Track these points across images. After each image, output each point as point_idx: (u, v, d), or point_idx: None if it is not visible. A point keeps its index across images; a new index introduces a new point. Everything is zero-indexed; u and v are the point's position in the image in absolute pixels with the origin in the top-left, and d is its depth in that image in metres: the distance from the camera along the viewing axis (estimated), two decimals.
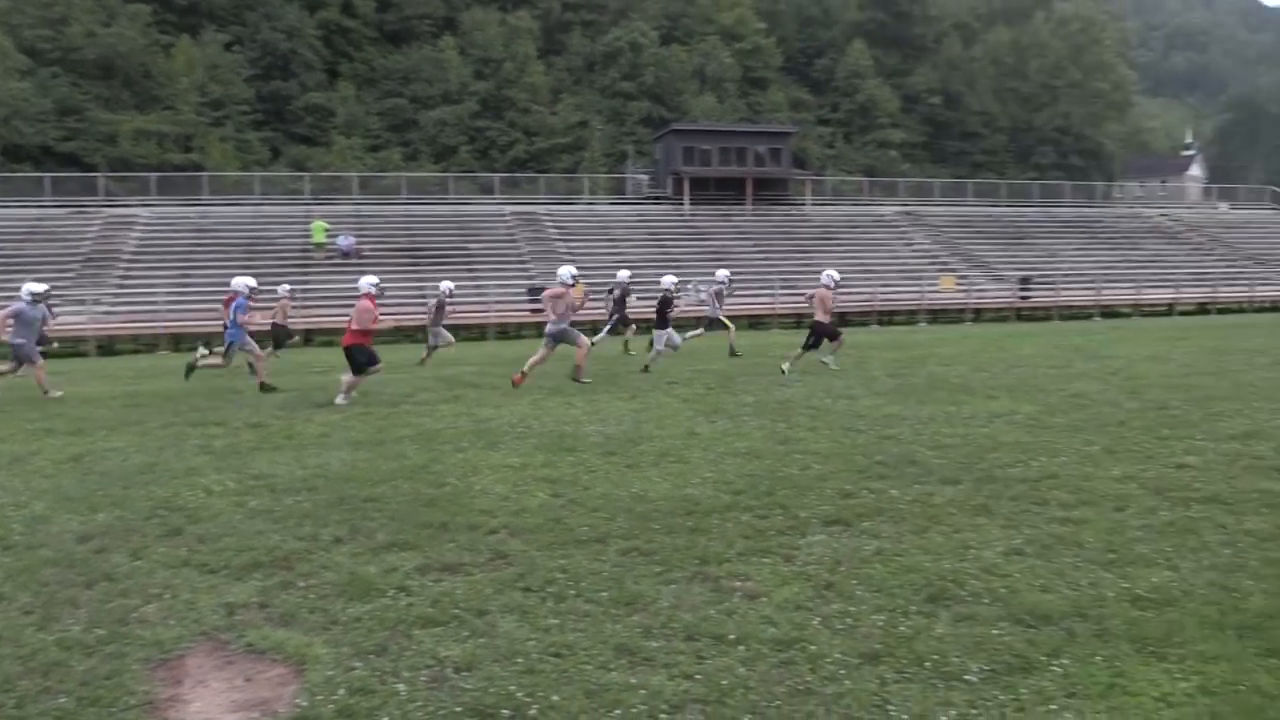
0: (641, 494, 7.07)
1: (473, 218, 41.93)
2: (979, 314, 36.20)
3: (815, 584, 5.03)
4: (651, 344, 17.38)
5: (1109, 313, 36.64)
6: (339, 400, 12.59)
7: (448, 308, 20.00)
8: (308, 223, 38.18)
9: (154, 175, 43.02)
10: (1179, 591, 4.79)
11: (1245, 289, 40.70)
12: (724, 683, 3.87)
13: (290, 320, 23.52)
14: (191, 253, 36.21)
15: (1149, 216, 51.38)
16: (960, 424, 9.81)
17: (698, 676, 3.93)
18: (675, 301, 18.05)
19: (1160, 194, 65.08)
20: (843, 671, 3.95)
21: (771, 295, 35.03)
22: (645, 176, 50.49)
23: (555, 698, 3.77)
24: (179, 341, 28.71)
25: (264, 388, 14.54)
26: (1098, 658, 4.03)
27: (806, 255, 40.16)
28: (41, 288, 15.10)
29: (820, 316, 15.74)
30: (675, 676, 3.94)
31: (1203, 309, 38.28)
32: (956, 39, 77.94)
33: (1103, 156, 76.74)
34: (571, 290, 14.22)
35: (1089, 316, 35.72)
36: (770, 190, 47.21)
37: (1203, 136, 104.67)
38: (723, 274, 20.42)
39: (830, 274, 16.02)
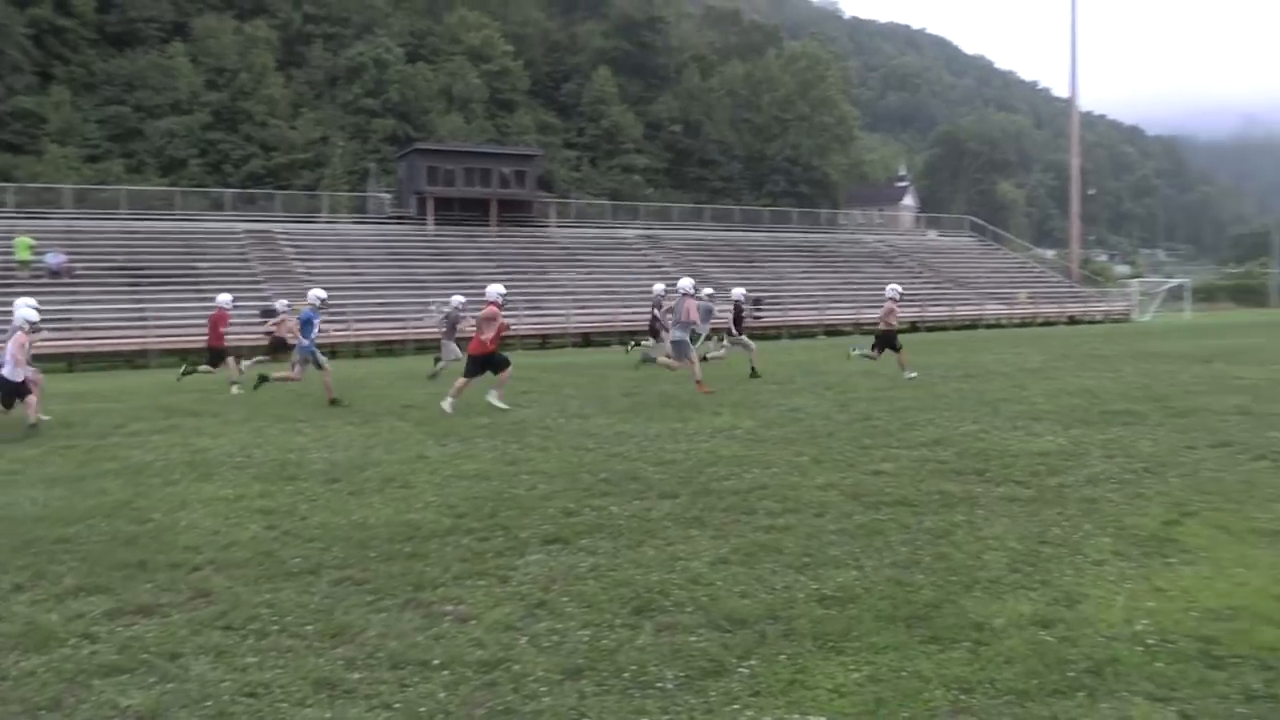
0: (361, 521, 6.90)
1: (202, 235, 39.59)
2: (717, 332, 37.81)
3: (528, 603, 5.08)
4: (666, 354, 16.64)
5: (832, 331, 39.25)
6: (496, 401, 13.08)
7: (460, 323, 19.55)
8: (10, 238, 34.73)
9: None
10: (861, 589, 5.19)
11: (948, 309, 44.77)
12: (423, 709, 3.83)
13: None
14: None
15: (868, 242, 55.57)
16: (684, 440, 10.22)
17: (397, 705, 3.88)
18: (749, 311, 19.13)
19: (878, 221, 70.48)
20: (544, 689, 4.00)
21: (516, 316, 35.12)
22: (388, 196, 49.47)
23: None
24: None
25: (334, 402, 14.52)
26: (782, 656, 4.29)
27: (550, 277, 40.62)
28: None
29: (884, 327, 17.55)
30: (375, 707, 3.87)
31: (913, 327, 41.69)
32: (695, 70, 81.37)
33: (828, 186, 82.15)
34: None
35: (814, 335, 38.12)
36: (516, 212, 47.42)
37: (914, 169, 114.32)
38: (739, 292, 19.32)
39: (894, 288, 17.90)
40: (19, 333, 12.03)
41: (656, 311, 21.76)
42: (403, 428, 11.79)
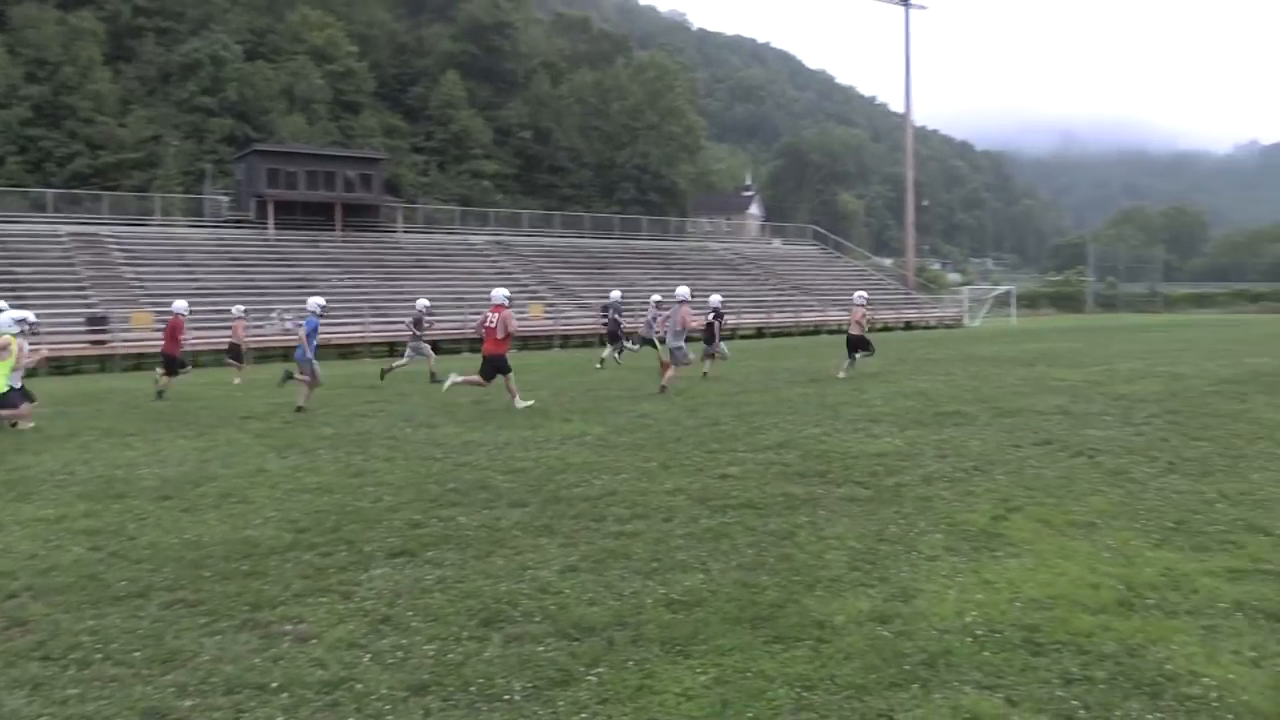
0: (195, 540, 6.59)
1: (21, 238, 37.02)
2: (567, 340, 37.83)
3: (372, 619, 4.95)
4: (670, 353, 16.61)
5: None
6: (454, 380, 14.05)
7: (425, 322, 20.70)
8: None
9: None
10: (708, 592, 5.26)
11: (792, 315, 46.05)
12: None
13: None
14: None
15: (715, 250, 56.62)
16: (535, 447, 10.16)
17: None
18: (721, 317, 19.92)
19: (725, 230, 71.89)
20: (388, 707, 3.91)
21: (363, 324, 34.31)
22: (225, 198, 47.40)
23: None
24: None
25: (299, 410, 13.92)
26: (630, 663, 4.31)
27: (398, 283, 39.79)
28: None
29: (855, 331, 18.44)
30: None
31: (760, 333, 42.73)
32: (545, 77, 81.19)
33: (676, 194, 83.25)
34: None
35: (663, 341, 38.58)
36: (361, 217, 46.24)
37: (760, 179, 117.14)
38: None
39: (861, 294, 19.19)
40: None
41: (616, 316, 23.71)
42: (242, 440, 11.33)
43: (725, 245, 59.10)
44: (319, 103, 67.81)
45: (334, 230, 44.31)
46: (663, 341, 18.12)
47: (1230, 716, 3.73)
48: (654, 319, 21.25)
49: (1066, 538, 6.27)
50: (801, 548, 6.10)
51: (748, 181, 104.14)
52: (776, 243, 65.91)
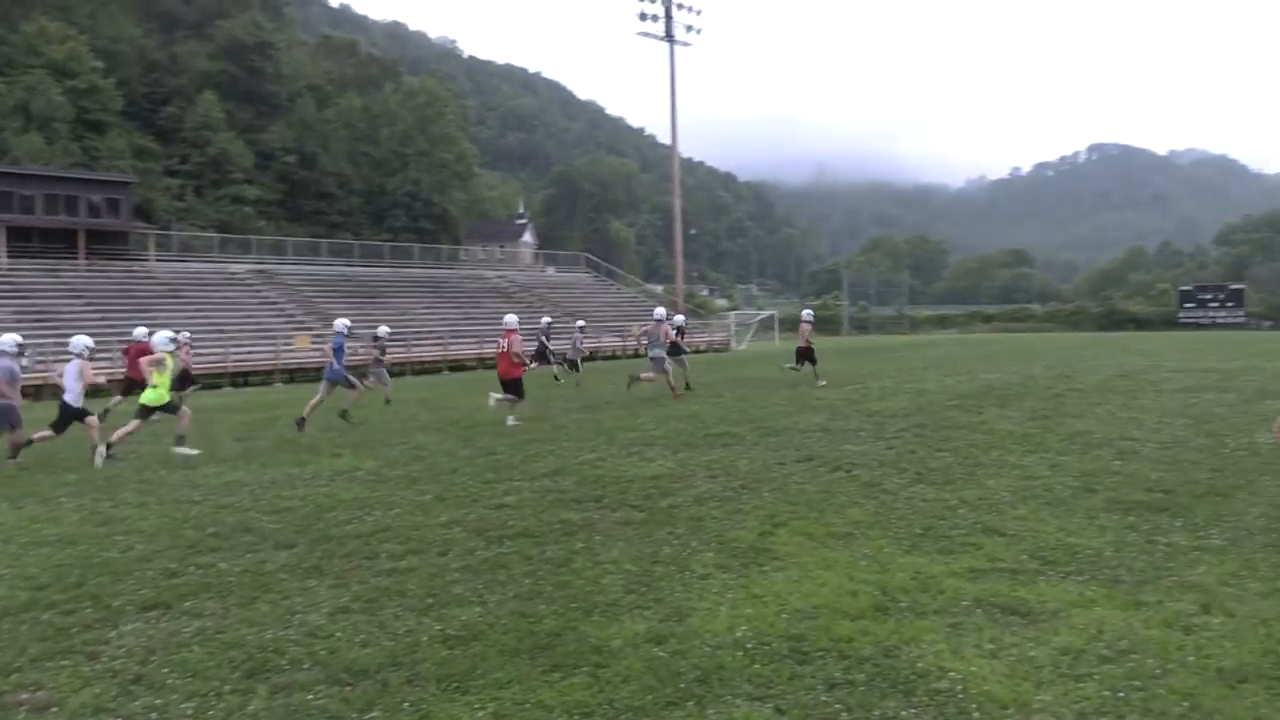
0: None
1: None
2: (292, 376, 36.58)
3: (122, 680, 4.59)
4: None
5: (456, 366, 39.32)
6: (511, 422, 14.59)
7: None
8: None
9: None
10: (485, 625, 5.21)
11: (568, 341, 46.31)
12: None
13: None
14: None
15: (489, 278, 56.40)
16: (302, 485, 9.75)
17: None
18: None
19: (499, 258, 71.79)
20: None
21: (112, 359, 31.88)
22: None
23: None
24: None
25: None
26: (406, 704, 4.20)
27: (150, 314, 37.21)
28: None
29: (802, 344, 21.50)
30: None
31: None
32: (310, 100, 78.48)
33: (449, 221, 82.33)
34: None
35: (439, 371, 37.98)
36: (108, 244, 43.09)
37: (533, 207, 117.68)
38: (660, 312, 20.11)
39: (808, 312, 22.84)
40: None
41: (544, 339, 26.25)
42: None
43: (499, 273, 59.00)
44: (59, 121, 62.67)
45: (77, 259, 41.07)
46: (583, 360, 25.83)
47: (973, 706, 4.04)
48: (579, 342, 26.85)
49: (828, 549, 6.62)
50: (578, 574, 6.14)
51: (521, 209, 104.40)
52: (550, 270, 66.39)
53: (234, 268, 46.52)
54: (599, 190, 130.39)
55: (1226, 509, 7.57)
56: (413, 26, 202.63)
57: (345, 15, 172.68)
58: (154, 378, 12.42)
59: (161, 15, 77.04)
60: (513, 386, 15.27)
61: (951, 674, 4.36)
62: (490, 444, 12.54)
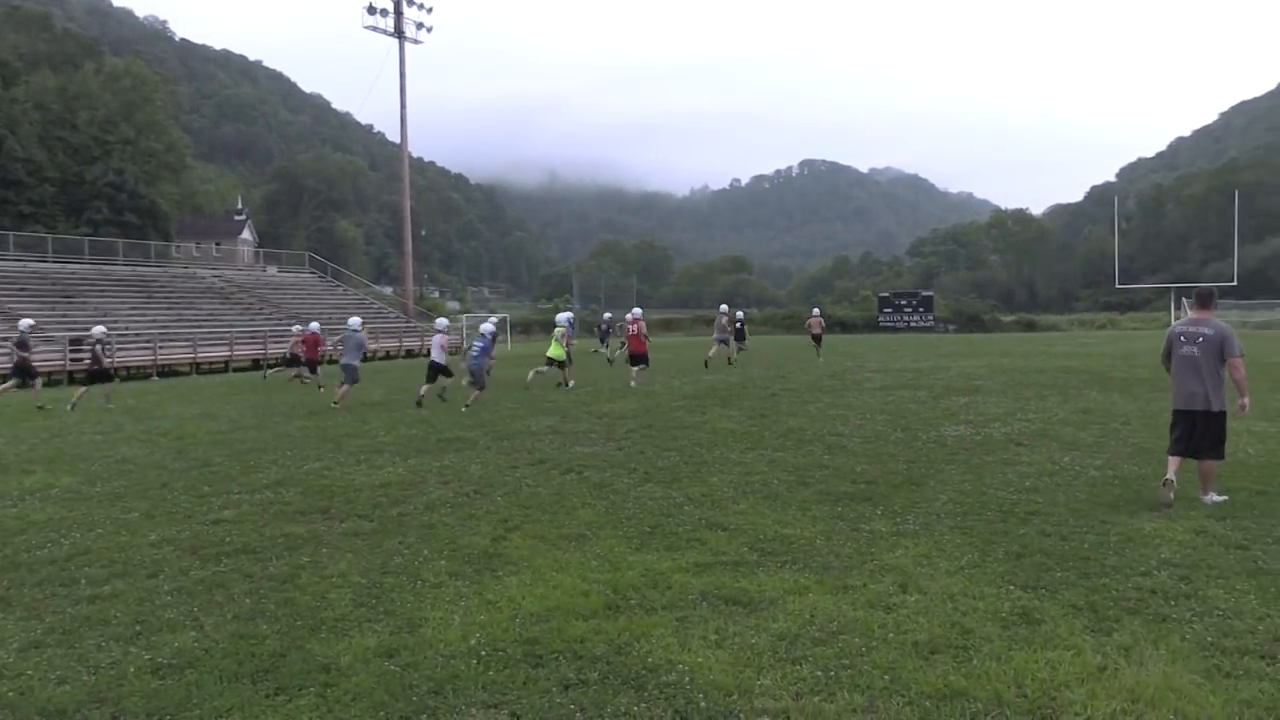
0: None
1: None
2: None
3: None
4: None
5: (168, 372, 36.65)
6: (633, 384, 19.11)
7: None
8: None
9: None
10: (201, 650, 4.89)
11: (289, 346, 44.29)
12: None
13: None
14: None
15: (204, 277, 52.88)
16: None
17: None
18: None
19: (215, 255, 67.51)
20: None
21: None
22: None
23: None
24: None
25: None
26: None
27: None
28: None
29: (635, 347, 22.48)
30: None
31: (256, 365, 40.58)
32: None
33: (158, 216, 76.48)
34: None
35: (148, 377, 35.23)
36: None
37: (252, 203, 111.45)
38: (606, 314, 25.38)
39: (636, 310, 23.28)
40: None
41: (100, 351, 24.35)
42: None
43: (215, 272, 55.43)
44: None
45: None
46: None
47: (700, 695, 4.23)
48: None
49: (560, 551, 6.71)
50: (304, 590, 5.90)
51: (239, 205, 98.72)
52: (272, 270, 63.15)
53: None
54: (325, 187, 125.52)
55: (920, 496, 8.32)
56: (116, 2, 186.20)
57: None
58: None
59: None
60: (641, 358, 21.83)
61: (680, 666, 4.53)
62: (206, 455, 11.77)
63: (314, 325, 26.62)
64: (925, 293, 72.95)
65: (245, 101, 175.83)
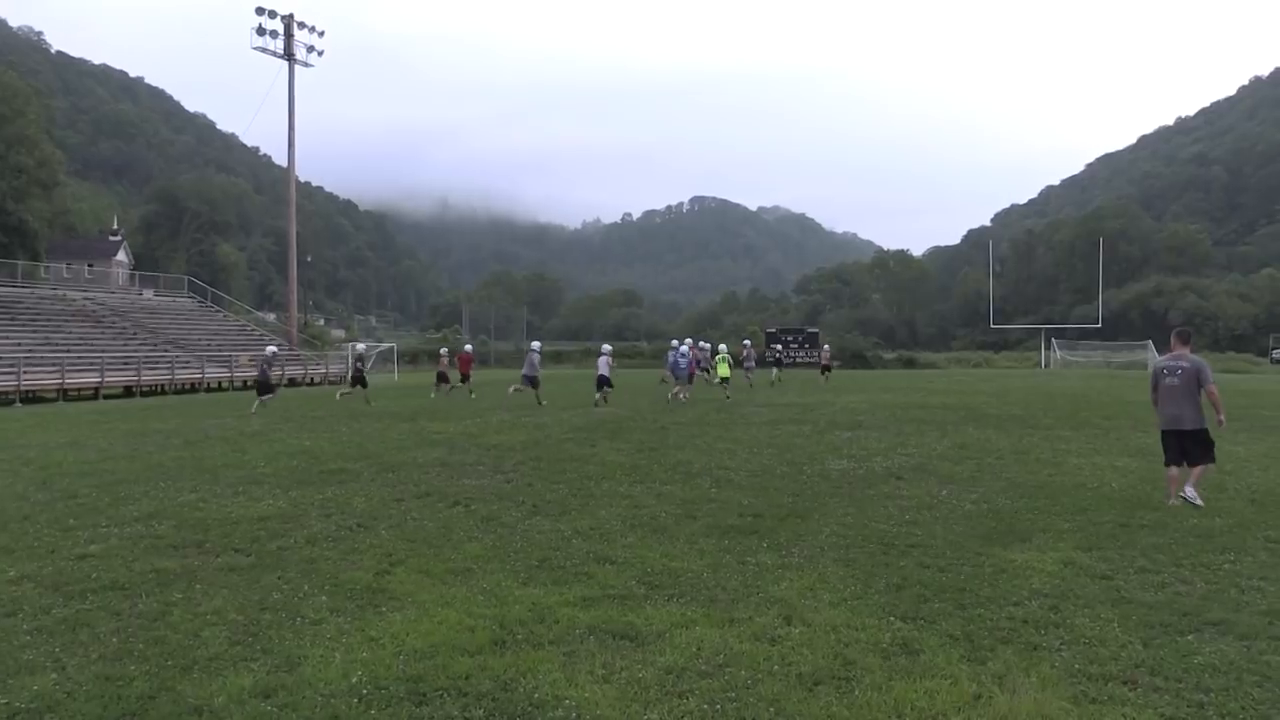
0: None
1: None
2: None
3: None
4: None
5: (32, 398, 34.91)
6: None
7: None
8: None
9: None
10: (63, 694, 4.65)
11: (167, 372, 42.70)
12: None
13: None
14: None
15: (74, 299, 50.60)
16: None
17: None
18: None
19: (87, 277, 64.68)
20: None
21: None
22: None
23: None
24: None
25: None
26: None
27: None
28: None
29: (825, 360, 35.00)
30: None
31: (129, 392, 39.00)
32: None
33: (26, 234, 72.96)
34: None
35: (11, 403, 33.48)
36: None
37: (129, 224, 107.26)
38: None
39: (467, 347, 27.66)
40: None
41: (266, 368, 26.52)
42: None
43: (87, 294, 53.06)
44: None
45: None
46: None
47: None
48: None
49: (446, 585, 6.61)
50: (175, 628, 5.66)
51: (115, 225, 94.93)
52: (148, 294, 60.86)
53: None
54: (207, 210, 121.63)
55: (804, 529, 8.47)
56: None
57: None
58: None
59: None
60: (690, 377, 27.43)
61: (567, 701, 4.50)
62: (72, 486, 11.23)
63: (468, 346, 36.49)
64: (811, 329, 74.55)
65: (125, 118, 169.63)
